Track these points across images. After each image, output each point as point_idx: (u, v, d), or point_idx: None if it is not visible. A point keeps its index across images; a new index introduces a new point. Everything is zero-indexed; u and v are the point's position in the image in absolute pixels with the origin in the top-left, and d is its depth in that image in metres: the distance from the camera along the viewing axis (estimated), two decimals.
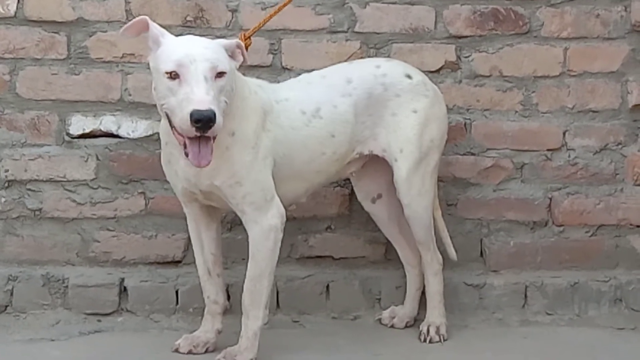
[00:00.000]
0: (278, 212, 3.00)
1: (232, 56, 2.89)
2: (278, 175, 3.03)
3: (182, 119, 2.73)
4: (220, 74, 2.79)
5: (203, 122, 2.70)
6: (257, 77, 3.25)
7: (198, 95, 2.73)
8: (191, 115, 2.70)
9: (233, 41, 2.92)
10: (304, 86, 3.18)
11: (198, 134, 2.73)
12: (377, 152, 3.24)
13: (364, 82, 3.21)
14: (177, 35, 2.96)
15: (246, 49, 2.98)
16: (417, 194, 3.24)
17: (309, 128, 3.11)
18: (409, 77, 3.27)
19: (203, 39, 2.93)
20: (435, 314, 3.34)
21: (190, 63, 2.77)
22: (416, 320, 3.43)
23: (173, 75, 2.78)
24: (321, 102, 3.14)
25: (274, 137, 3.02)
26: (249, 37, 3.07)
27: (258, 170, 2.96)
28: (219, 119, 2.73)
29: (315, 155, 3.13)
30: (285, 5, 3.20)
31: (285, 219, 3.02)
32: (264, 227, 2.98)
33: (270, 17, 3.17)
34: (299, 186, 3.16)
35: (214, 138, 2.79)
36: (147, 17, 2.91)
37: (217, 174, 2.93)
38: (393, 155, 3.23)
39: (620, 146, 3.62)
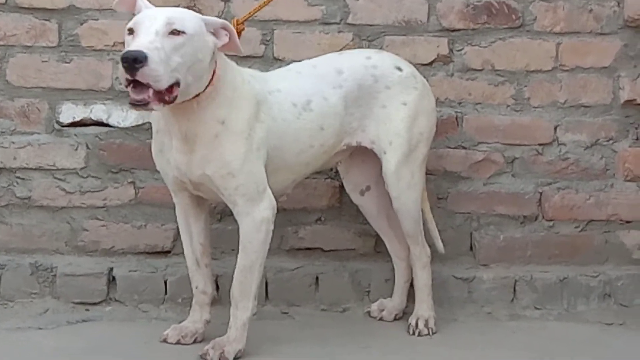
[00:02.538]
0: (270, 203, 2.99)
1: (214, 34, 2.87)
2: (269, 167, 3.02)
3: (120, 66, 2.72)
4: (176, 32, 2.76)
5: (128, 61, 2.66)
6: (249, 68, 3.24)
7: (138, 42, 2.72)
8: (120, 56, 2.70)
9: (218, 20, 2.91)
10: (295, 76, 3.17)
11: (129, 77, 2.69)
12: (366, 144, 3.23)
13: (355, 73, 3.20)
14: None
15: (239, 34, 2.97)
16: (406, 186, 3.24)
17: (299, 121, 3.10)
18: (399, 69, 3.26)
19: (183, 9, 2.91)
20: (423, 307, 3.34)
21: (145, 20, 2.77)
22: (405, 313, 3.43)
23: (130, 31, 2.79)
24: (312, 94, 3.13)
25: (267, 128, 3.00)
26: (242, 23, 3.06)
27: (251, 162, 2.95)
28: (154, 65, 2.67)
29: (304, 148, 3.12)
30: None
31: (276, 211, 3.01)
32: (256, 219, 2.97)
33: (265, 4, 3.16)
34: (287, 177, 3.15)
35: (159, 93, 2.73)
36: None
37: (207, 163, 2.92)
38: (382, 147, 3.22)
39: (611, 142, 3.62)
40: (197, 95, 2.87)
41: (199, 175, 2.94)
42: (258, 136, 2.97)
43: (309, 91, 3.13)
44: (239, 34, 2.98)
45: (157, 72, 2.70)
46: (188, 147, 2.92)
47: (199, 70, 2.83)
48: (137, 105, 2.73)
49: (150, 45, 2.70)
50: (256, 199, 2.96)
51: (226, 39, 2.89)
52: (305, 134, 3.11)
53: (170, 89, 2.76)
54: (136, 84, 2.70)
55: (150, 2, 2.91)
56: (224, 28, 2.90)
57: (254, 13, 3.14)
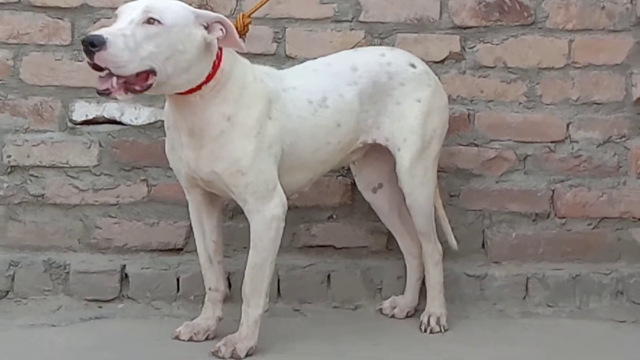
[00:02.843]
0: (280, 201, 2.99)
1: (207, 28, 2.86)
2: (284, 165, 3.03)
3: None
4: (152, 20, 2.76)
5: (86, 44, 2.68)
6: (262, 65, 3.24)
7: (107, 28, 2.74)
8: (81, 39, 2.72)
9: (213, 14, 2.89)
10: (310, 74, 3.17)
11: (90, 61, 2.70)
12: (380, 141, 3.23)
13: (370, 70, 3.20)
14: None
15: (245, 29, 2.97)
16: (419, 183, 3.24)
17: (315, 117, 3.10)
18: (413, 66, 3.26)
19: (175, 1, 2.89)
20: (435, 305, 3.34)
21: (129, 8, 2.79)
22: (417, 311, 3.43)
23: (114, 20, 2.81)
24: (327, 91, 3.13)
25: (281, 125, 3.00)
26: (249, 16, 3.06)
27: (261, 160, 2.95)
28: (113, 50, 2.68)
29: (321, 145, 3.12)
30: None
31: (287, 208, 3.01)
32: (266, 216, 2.97)
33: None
34: (304, 176, 3.15)
35: (122, 78, 2.73)
36: None
37: (216, 160, 2.92)
38: (396, 144, 3.22)
39: (623, 139, 3.61)
40: (199, 89, 2.87)
41: (208, 172, 2.95)
42: (270, 134, 2.97)
43: (325, 88, 3.13)
44: (245, 27, 2.98)
45: (119, 58, 2.70)
46: (196, 143, 2.93)
47: (181, 62, 2.81)
48: (101, 94, 2.76)
49: (117, 31, 2.72)
50: (266, 196, 2.96)
51: (220, 34, 2.87)
52: (322, 130, 3.11)
53: (144, 77, 2.77)
54: (104, 71, 2.72)
55: None
56: (219, 22, 2.87)
57: (259, 7, 3.13)
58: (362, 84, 3.18)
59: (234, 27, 2.89)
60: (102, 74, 2.74)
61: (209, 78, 2.88)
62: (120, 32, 2.72)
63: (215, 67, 2.89)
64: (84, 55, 2.70)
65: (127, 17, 2.76)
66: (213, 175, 2.95)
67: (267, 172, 2.96)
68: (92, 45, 2.67)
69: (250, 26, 3.06)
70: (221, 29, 2.87)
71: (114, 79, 2.73)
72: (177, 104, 2.91)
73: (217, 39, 2.86)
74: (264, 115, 2.97)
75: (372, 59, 3.24)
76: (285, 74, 3.18)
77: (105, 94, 2.75)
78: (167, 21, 2.78)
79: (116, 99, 2.77)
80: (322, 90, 3.12)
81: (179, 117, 2.93)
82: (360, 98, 3.17)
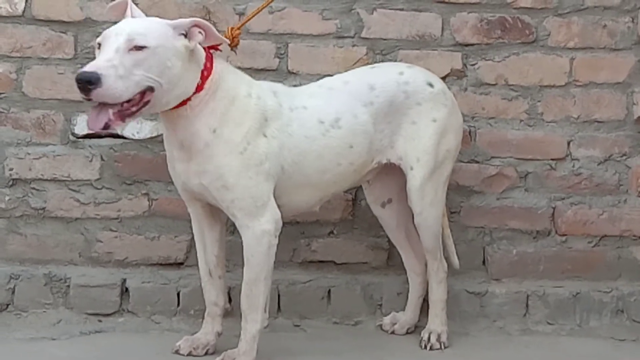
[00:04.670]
0: (272, 217, 2.98)
1: (187, 35, 2.87)
2: (288, 183, 3.02)
3: None
4: (138, 47, 2.78)
5: (81, 82, 2.69)
6: (265, 80, 3.24)
7: (94, 62, 2.75)
8: (75, 77, 2.72)
9: (187, 20, 2.90)
10: (326, 92, 3.15)
11: (85, 97, 2.72)
12: (394, 160, 3.21)
13: (387, 89, 3.18)
14: None
15: (234, 41, 3.00)
16: (429, 203, 3.23)
17: (325, 138, 3.08)
18: (430, 85, 3.24)
19: (150, 18, 2.94)
20: (436, 322, 3.34)
21: (111, 36, 2.80)
22: (417, 327, 3.43)
23: (99, 47, 2.82)
24: (341, 112, 3.11)
25: (279, 144, 2.99)
26: (239, 29, 3.07)
27: (248, 177, 2.94)
28: (109, 84, 2.70)
29: (331, 166, 3.10)
30: (269, 3, 3.19)
31: (280, 224, 3.00)
32: (256, 232, 2.96)
33: (259, 10, 3.16)
34: (312, 195, 3.13)
35: (117, 106, 2.76)
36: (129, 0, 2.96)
37: (202, 172, 2.93)
38: (409, 163, 3.20)
39: (624, 157, 3.61)
40: (189, 100, 2.88)
41: (197, 184, 2.96)
42: (260, 151, 2.95)
43: (339, 108, 3.11)
44: (235, 39, 3.00)
45: (114, 90, 2.73)
46: (186, 155, 2.94)
47: (171, 76, 2.82)
48: (100, 131, 2.80)
49: (107, 64, 2.73)
50: (254, 213, 2.95)
51: (201, 37, 2.88)
52: (332, 151, 3.09)
53: (140, 95, 2.79)
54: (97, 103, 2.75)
55: (165, 16, 2.93)
56: (197, 26, 2.88)
57: (249, 19, 3.16)
58: (379, 103, 3.16)
59: (210, 25, 2.90)
60: (95, 103, 2.76)
61: (199, 89, 2.89)
62: (109, 63, 2.73)
63: (205, 77, 2.90)
64: (79, 91, 2.72)
65: (112, 45, 2.77)
66: (202, 188, 2.96)
67: (254, 189, 2.95)
68: (90, 83, 2.69)
69: (252, 41, 3.08)
70: (200, 32, 2.88)
71: (110, 111, 2.76)
72: (168, 118, 2.93)
73: (199, 43, 2.88)
74: (254, 133, 2.95)
75: (389, 78, 3.21)
76: (299, 92, 3.16)
77: (105, 129, 2.78)
78: (151, 44, 2.80)
79: (115, 130, 2.79)
80: (336, 111, 3.10)
81: (171, 130, 2.95)
82: (375, 119, 3.15)
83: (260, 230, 2.96)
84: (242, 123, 2.95)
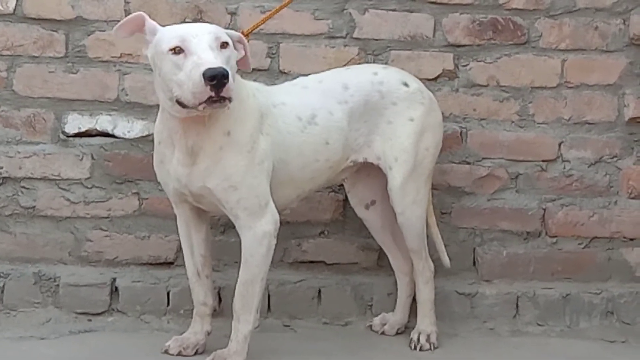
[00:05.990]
0: (272, 217, 2.99)
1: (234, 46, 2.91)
2: (274, 180, 3.03)
3: (195, 83, 2.72)
4: (224, 44, 2.81)
5: (218, 78, 2.69)
6: (254, 81, 3.24)
7: (206, 58, 2.73)
8: (204, 74, 2.70)
9: (236, 32, 2.94)
10: (300, 91, 3.18)
11: (213, 94, 2.71)
12: (372, 160, 3.23)
13: (361, 89, 3.20)
14: None
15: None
16: (411, 202, 3.24)
17: (304, 134, 3.10)
18: (405, 84, 3.26)
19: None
20: (425, 322, 3.34)
21: (193, 37, 2.79)
22: (407, 328, 3.43)
23: (177, 51, 2.78)
24: (317, 109, 3.13)
25: (272, 140, 3.01)
26: (248, 35, 3.07)
27: (253, 176, 2.95)
28: (232, 79, 2.73)
29: (309, 162, 3.12)
30: (285, 5, 3.20)
31: (279, 225, 3.01)
32: (258, 233, 2.97)
33: (268, 17, 3.16)
34: (292, 192, 3.15)
35: (229, 100, 2.77)
36: (143, 13, 2.91)
37: (209, 175, 2.92)
38: (388, 163, 3.22)
39: (615, 159, 3.62)
40: None
41: (200, 187, 2.95)
42: (261, 148, 2.97)
43: (314, 105, 3.14)
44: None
45: (233, 86, 2.75)
46: (190, 159, 2.93)
47: (234, 76, 2.85)
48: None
49: (218, 61, 2.73)
50: (258, 212, 2.96)
51: (243, 52, 2.94)
52: (310, 147, 3.11)
53: None
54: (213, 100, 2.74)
55: (156, 15, 2.93)
56: (240, 42, 2.93)
57: (258, 25, 3.15)
58: (353, 102, 3.18)
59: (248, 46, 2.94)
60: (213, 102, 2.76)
61: None
62: (219, 60, 2.74)
63: None
64: (208, 90, 2.70)
65: (202, 44, 2.77)
66: (205, 191, 2.95)
67: (259, 188, 2.96)
68: (225, 78, 2.70)
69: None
70: (242, 48, 2.94)
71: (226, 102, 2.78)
72: (181, 122, 2.90)
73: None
74: (256, 131, 2.97)
75: (364, 78, 3.24)
76: (275, 90, 3.18)
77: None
78: (230, 41, 2.85)
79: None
80: (312, 108, 3.13)
81: (180, 134, 2.92)
82: (350, 117, 3.17)
83: (261, 232, 2.96)
84: (248, 122, 2.96)
